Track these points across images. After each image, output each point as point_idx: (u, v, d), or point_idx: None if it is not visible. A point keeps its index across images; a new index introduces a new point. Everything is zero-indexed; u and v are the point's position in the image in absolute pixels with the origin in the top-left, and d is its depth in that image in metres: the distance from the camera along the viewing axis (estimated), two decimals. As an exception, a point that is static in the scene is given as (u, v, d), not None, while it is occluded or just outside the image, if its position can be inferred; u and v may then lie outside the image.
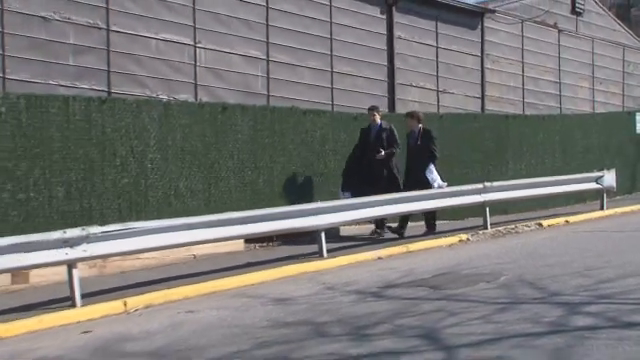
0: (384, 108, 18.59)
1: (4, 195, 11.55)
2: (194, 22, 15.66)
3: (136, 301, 9.97)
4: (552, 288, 9.00)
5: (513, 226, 15.69)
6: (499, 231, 15.25)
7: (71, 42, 13.96)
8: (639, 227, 15.34)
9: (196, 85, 15.68)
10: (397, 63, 19.67)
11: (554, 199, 18.68)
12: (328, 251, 12.77)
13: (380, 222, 15.15)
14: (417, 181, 14.58)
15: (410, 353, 6.58)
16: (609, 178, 18.34)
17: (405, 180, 14.88)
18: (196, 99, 15.41)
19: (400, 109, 18.65)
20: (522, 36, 23.70)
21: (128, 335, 8.40)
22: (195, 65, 15.67)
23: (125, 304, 9.85)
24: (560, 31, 25.11)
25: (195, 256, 13.15)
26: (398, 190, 14.32)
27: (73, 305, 9.70)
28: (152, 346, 7.78)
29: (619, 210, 18.39)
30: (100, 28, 14.33)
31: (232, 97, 15.82)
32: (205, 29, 15.82)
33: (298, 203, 13.91)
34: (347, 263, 12.46)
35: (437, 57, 20.91)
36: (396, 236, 14.66)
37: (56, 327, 9.11)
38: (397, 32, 19.68)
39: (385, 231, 15.15)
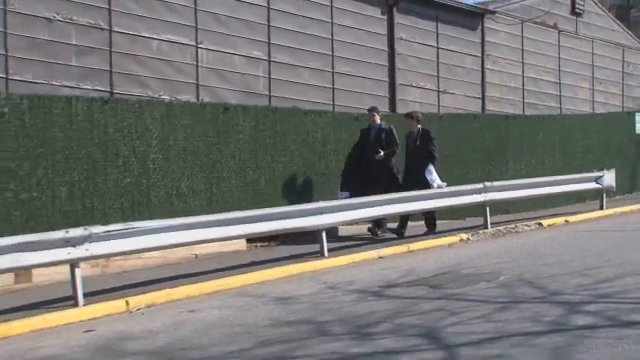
0: (385, 108, 18.64)
1: (7, 195, 11.58)
2: (196, 23, 15.66)
3: (138, 300, 10.01)
4: (552, 287, 9.02)
5: (513, 226, 15.72)
6: (499, 231, 15.28)
7: (74, 43, 13.96)
8: (638, 227, 15.37)
9: (198, 85, 15.69)
10: (398, 63, 19.68)
11: (554, 199, 18.70)
12: (329, 251, 12.78)
13: (379, 222, 15.18)
14: (416, 181, 14.60)
15: (411, 352, 6.59)
16: (609, 178, 18.37)
17: (404, 180, 14.89)
18: (198, 99, 15.42)
19: (401, 109, 18.67)
20: (522, 37, 23.73)
21: (130, 334, 8.43)
22: (197, 66, 15.68)
23: (127, 303, 9.88)
24: (560, 32, 25.14)
25: (197, 255, 13.18)
26: (398, 190, 14.33)
27: (76, 304, 9.73)
28: (154, 345, 7.79)
29: (619, 210, 18.42)
30: (103, 29, 14.33)
31: (234, 97, 15.84)
32: (207, 30, 15.83)
33: (299, 203, 13.96)
34: (348, 262, 12.49)
35: (437, 58, 20.93)
36: (395, 236, 14.70)
37: (59, 326, 9.14)
38: (398, 33, 19.70)
39: (385, 231, 15.18)
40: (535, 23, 24.07)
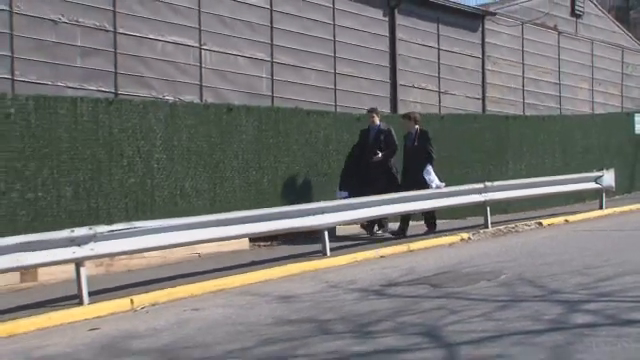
0: (386, 109, 18.68)
1: (13, 195, 11.65)
2: (199, 25, 15.68)
3: (142, 299, 10.06)
4: (552, 286, 9.02)
5: (513, 225, 15.71)
6: (500, 230, 15.28)
7: (79, 44, 13.98)
8: (638, 226, 15.36)
9: (201, 86, 15.71)
10: (399, 64, 19.70)
11: (554, 198, 18.69)
12: (330, 250, 12.82)
13: (380, 222, 15.24)
14: (415, 182, 14.62)
15: (412, 350, 6.62)
16: (608, 178, 18.37)
17: (403, 181, 14.91)
18: (201, 100, 15.43)
19: (402, 110, 18.62)
20: (522, 38, 23.72)
21: (135, 332, 8.46)
22: (200, 67, 15.70)
23: (132, 302, 9.92)
24: (560, 33, 25.13)
25: (200, 255, 13.24)
26: (397, 190, 14.34)
27: (81, 303, 9.78)
28: (158, 343, 7.83)
29: (618, 209, 18.39)
30: (107, 30, 14.35)
31: (237, 98, 15.87)
32: (210, 31, 15.85)
33: (302, 202, 14.00)
34: (349, 262, 12.51)
35: (438, 59, 20.93)
36: (392, 236, 14.76)
37: (64, 324, 9.19)
38: (399, 34, 19.71)
39: (386, 231, 15.22)
40: (535, 24, 24.05)
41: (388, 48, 19.58)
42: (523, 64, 23.74)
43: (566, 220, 16.70)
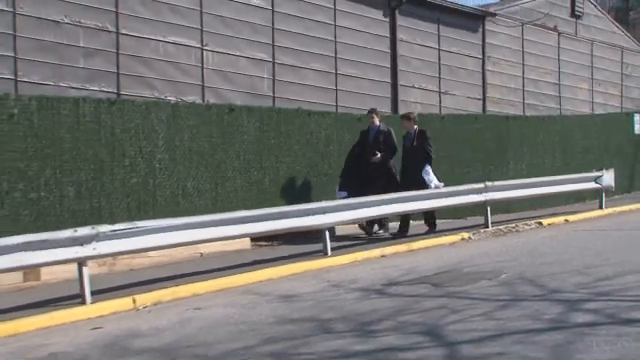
0: (387, 109, 18.71)
1: (16, 194, 11.68)
2: (201, 25, 15.71)
3: (145, 298, 10.08)
4: (552, 286, 9.04)
5: (514, 225, 15.74)
6: (500, 230, 15.30)
7: (81, 45, 14.00)
8: (637, 226, 15.40)
9: (203, 87, 15.73)
10: (400, 65, 19.73)
11: (554, 198, 18.71)
12: (331, 249, 12.84)
13: (381, 222, 15.27)
14: (414, 182, 14.63)
15: (413, 349, 6.65)
16: (608, 178, 18.40)
17: (401, 180, 14.93)
18: (203, 101, 15.44)
19: (403, 110, 18.46)
20: (522, 39, 23.75)
21: (137, 331, 8.47)
22: (202, 67, 15.72)
23: (134, 301, 9.95)
24: (560, 34, 25.15)
25: (202, 254, 13.25)
26: (397, 190, 14.34)
27: (83, 302, 9.79)
28: (161, 342, 7.85)
29: (618, 209, 18.42)
30: (110, 31, 14.38)
31: (239, 99, 15.89)
32: (212, 32, 15.87)
33: (303, 202, 14.05)
34: (351, 261, 12.53)
35: (439, 59, 20.96)
36: (391, 236, 14.80)
37: (67, 323, 9.20)
38: (400, 35, 19.74)
39: (387, 230, 15.26)
40: (535, 25, 24.07)
41: (389, 49, 19.60)
42: (523, 65, 23.76)
43: (566, 220, 16.72)
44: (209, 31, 15.86)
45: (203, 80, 15.77)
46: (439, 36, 21.00)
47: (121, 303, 9.91)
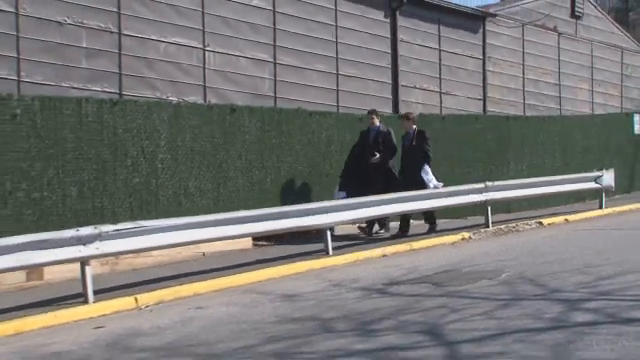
0: (388, 110, 18.73)
1: (19, 194, 11.71)
2: (203, 26, 15.71)
3: (147, 297, 10.13)
4: (552, 285, 9.08)
5: (514, 224, 15.78)
6: (500, 229, 15.33)
7: (84, 45, 14.00)
8: (637, 225, 15.44)
9: (205, 87, 15.73)
10: (401, 66, 19.74)
11: (554, 198, 18.75)
12: (332, 249, 12.87)
13: (382, 222, 15.28)
14: (414, 181, 14.67)
15: (414, 348, 6.68)
16: (608, 178, 18.43)
17: (401, 180, 14.95)
18: (205, 101, 15.46)
19: (404, 110, 18.38)
20: (523, 39, 23.75)
21: (139, 330, 8.52)
22: (204, 68, 15.73)
23: (136, 300, 10.00)
24: (560, 34, 25.16)
25: (204, 254, 13.27)
26: (398, 190, 14.36)
27: (86, 301, 9.84)
28: (163, 341, 7.89)
29: (617, 209, 18.45)
30: (112, 32, 14.38)
31: (240, 99, 15.89)
32: (214, 33, 15.87)
33: (305, 202, 14.10)
34: (352, 260, 12.58)
35: (440, 60, 20.97)
36: (390, 236, 14.82)
37: (70, 322, 9.25)
38: (401, 35, 19.74)
39: (388, 229, 15.28)
40: (535, 26, 24.07)
41: (390, 49, 19.60)
42: (523, 65, 23.77)
43: (566, 219, 16.76)
44: (211, 32, 15.85)
45: (205, 80, 15.77)
46: (440, 37, 21.00)
47: (123, 302, 9.95)
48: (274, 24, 17.01)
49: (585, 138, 21.64)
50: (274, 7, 17.00)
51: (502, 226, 15.53)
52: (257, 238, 14.01)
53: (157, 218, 11.71)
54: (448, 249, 13.52)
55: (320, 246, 13.06)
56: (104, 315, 9.55)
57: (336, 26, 18.30)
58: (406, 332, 7.33)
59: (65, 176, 12.23)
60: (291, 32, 17.34)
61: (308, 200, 14.61)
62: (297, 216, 12.76)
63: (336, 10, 18.30)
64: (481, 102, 22.26)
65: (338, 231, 14.54)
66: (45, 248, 9.81)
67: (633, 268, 9.80)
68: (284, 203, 14.28)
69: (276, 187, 15.03)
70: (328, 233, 12.93)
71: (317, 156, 15.80)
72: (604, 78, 26.98)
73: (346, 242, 13.97)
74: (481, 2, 24.84)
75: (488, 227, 15.37)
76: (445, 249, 13.52)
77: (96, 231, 10.19)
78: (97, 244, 10.20)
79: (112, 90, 14.35)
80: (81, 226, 10.41)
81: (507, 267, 10.66)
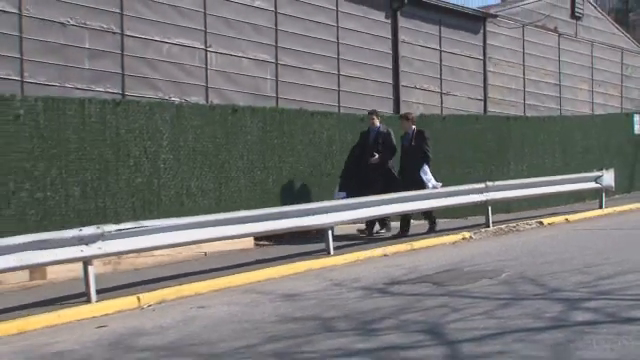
0: (389, 110, 18.77)
1: (22, 194, 11.76)
2: (205, 27, 15.75)
3: (149, 297, 10.15)
4: (552, 284, 9.09)
5: (514, 224, 15.79)
6: (501, 229, 15.34)
7: (87, 46, 14.05)
8: (637, 225, 15.44)
9: (207, 88, 15.78)
10: (402, 66, 19.79)
11: (554, 198, 18.76)
12: (333, 249, 12.89)
13: (383, 221, 15.31)
14: (413, 181, 14.68)
15: (415, 348, 6.69)
16: (608, 178, 18.44)
17: (400, 180, 14.95)
18: (207, 101, 15.50)
19: (405, 111, 18.59)
20: (523, 40, 23.80)
21: (142, 330, 8.54)
22: (206, 68, 15.77)
23: (139, 300, 10.03)
24: (560, 35, 25.20)
25: (206, 253, 13.30)
26: (398, 191, 14.37)
27: (88, 301, 9.87)
28: (165, 340, 7.91)
29: (617, 209, 18.45)
30: (115, 33, 14.43)
31: (242, 99, 15.95)
32: (216, 33, 15.92)
33: (306, 202, 14.13)
34: (353, 260, 12.59)
35: (440, 60, 21.02)
36: (390, 236, 14.85)
37: (72, 322, 9.27)
38: (402, 36, 19.80)
39: (389, 228, 15.31)
40: (536, 27, 24.12)
41: (391, 50, 19.66)
42: (524, 66, 23.81)
43: (566, 219, 16.77)
44: (213, 32, 15.90)
45: (207, 81, 15.82)
46: (440, 37, 21.04)
47: (126, 302, 9.98)
48: (276, 25, 17.05)
49: (585, 138, 21.64)
50: (276, 8, 17.05)
51: (502, 226, 15.54)
52: (258, 238, 14.04)
53: (159, 218, 11.71)
54: (449, 249, 13.54)
55: (321, 246, 13.09)
56: (107, 314, 9.58)
57: (337, 27, 18.35)
58: (407, 331, 7.34)
59: (68, 176, 12.27)
60: (292, 33, 17.38)
61: (310, 200, 14.65)
62: (298, 216, 12.77)
63: (337, 11, 18.34)
64: (482, 102, 22.30)
65: (338, 231, 14.50)
66: (48, 248, 9.83)
67: (633, 268, 9.82)
68: (286, 203, 14.28)
69: (278, 187, 15.06)
70: (329, 233, 12.94)
71: (318, 156, 15.82)
72: (604, 78, 27.01)
73: (347, 242, 13.99)
74: (482, 3, 24.93)
75: (489, 227, 15.38)
76: (446, 249, 13.54)
77: (99, 231, 10.21)
78: (99, 244, 10.22)
79: (115, 91, 14.40)
80: (84, 226, 10.43)
81: (507, 267, 10.67)
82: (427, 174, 14.79)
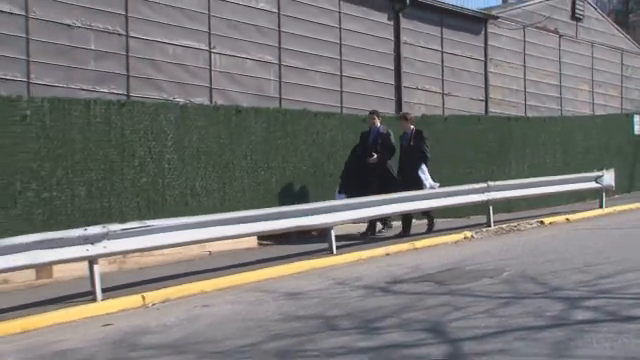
0: (391, 111, 18.78)
1: (29, 194, 11.83)
2: (209, 28, 15.80)
3: (154, 295, 10.20)
4: (553, 283, 9.11)
5: (515, 224, 15.82)
6: (502, 229, 15.37)
7: (92, 48, 14.10)
8: (637, 224, 15.42)
9: (211, 89, 15.82)
10: (404, 67, 19.83)
11: (555, 198, 18.76)
12: (336, 248, 12.92)
13: (385, 220, 15.38)
14: (412, 181, 14.70)
15: (416, 346, 6.70)
16: (608, 178, 18.47)
17: (400, 180, 14.97)
18: (211, 102, 15.52)
19: (408, 111, 18.77)
20: (524, 41, 23.84)
21: (146, 328, 8.58)
22: (210, 69, 15.81)
23: (143, 298, 10.08)
24: (561, 36, 25.23)
25: (210, 253, 13.34)
26: (398, 190, 14.39)
27: (94, 299, 9.93)
28: (169, 338, 7.94)
29: (618, 208, 18.46)
30: (120, 34, 14.49)
31: (246, 100, 15.99)
32: (220, 35, 15.96)
33: (310, 202, 14.24)
34: (356, 259, 12.61)
35: (442, 61, 21.05)
36: (391, 236, 14.90)
37: (78, 320, 9.32)
38: (404, 37, 19.85)
39: (391, 227, 15.40)
40: (536, 28, 24.16)
41: (393, 51, 19.69)
42: (525, 66, 23.83)
43: (567, 219, 16.78)
44: (217, 34, 15.94)
45: (211, 82, 15.86)
46: (442, 38, 21.07)
47: (131, 300, 10.03)
48: (279, 26, 17.10)
49: (586, 138, 21.68)
50: (279, 10, 17.09)
51: (504, 225, 15.56)
52: (262, 237, 14.09)
53: (164, 218, 11.75)
54: (450, 248, 13.57)
55: (323, 245, 13.12)
56: (112, 313, 9.62)
57: (340, 28, 18.38)
58: (409, 330, 7.36)
59: (74, 176, 12.35)
60: (296, 34, 17.42)
61: (313, 199, 14.68)
62: (299, 216, 12.82)
63: (340, 13, 18.38)
64: (483, 103, 22.33)
65: (341, 231, 14.45)
66: (54, 247, 9.90)
67: (633, 267, 9.82)
68: (289, 203, 14.27)
69: (281, 187, 15.12)
70: (332, 232, 12.98)
71: (321, 156, 15.89)
72: (604, 79, 27.03)
73: (349, 241, 14.01)
74: (483, 4, 24.96)
75: (490, 226, 15.42)
76: (447, 248, 13.57)
77: (104, 230, 10.27)
78: (105, 243, 10.28)
79: (120, 91, 14.45)
80: (89, 225, 10.50)
81: (508, 266, 10.69)
82: (425, 173, 14.82)
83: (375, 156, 14.86)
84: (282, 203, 14.27)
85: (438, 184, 15.00)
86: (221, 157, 14.26)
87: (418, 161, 14.85)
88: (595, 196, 18.94)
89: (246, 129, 14.63)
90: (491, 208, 15.68)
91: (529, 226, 15.95)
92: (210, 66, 15.86)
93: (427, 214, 15.32)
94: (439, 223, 15.47)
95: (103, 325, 8.94)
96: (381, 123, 15.32)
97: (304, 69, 17.60)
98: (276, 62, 17.05)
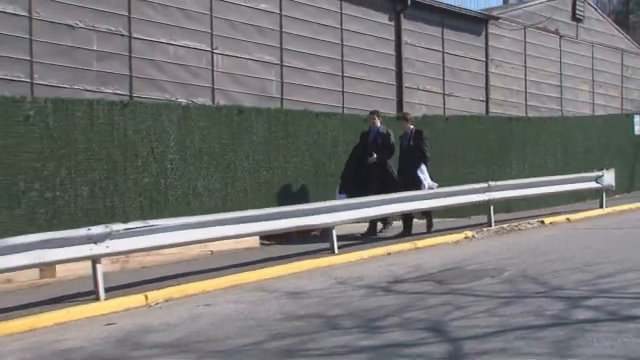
0: (392, 111, 18.77)
1: (32, 194, 11.89)
2: (211, 29, 15.81)
3: (157, 295, 10.25)
4: (554, 283, 9.12)
5: (516, 224, 15.83)
6: (503, 228, 15.39)
7: (95, 49, 14.12)
8: (637, 224, 15.42)
9: (213, 89, 15.82)
10: (405, 67, 19.81)
11: (555, 198, 18.79)
12: (338, 247, 12.95)
13: (385, 220, 15.38)
14: (412, 181, 14.72)
15: (418, 345, 6.72)
16: (608, 178, 18.48)
17: (400, 180, 15.02)
18: (213, 102, 15.54)
19: (408, 111, 18.78)
20: (525, 42, 23.83)
21: (149, 327, 8.62)
22: (212, 70, 15.82)
23: (146, 297, 10.13)
24: (561, 37, 25.21)
25: (212, 252, 13.38)
26: (397, 189, 14.43)
27: (97, 298, 9.99)
28: (172, 337, 7.97)
29: (618, 208, 18.46)
30: (123, 35, 14.49)
31: (248, 100, 16.00)
32: (222, 36, 15.96)
33: (311, 201, 14.25)
34: (357, 259, 12.65)
35: (443, 62, 21.04)
36: (392, 235, 14.93)
37: (81, 319, 9.38)
38: (405, 38, 19.84)
39: (391, 226, 15.42)
40: (537, 28, 24.14)
41: (394, 51, 19.68)
42: (525, 67, 23.81)
43: (567, 219, 16.79)
44: (219, 35, 15.95)
45: (213, 82, 15.87)
46: (443, 39, 21.07)
47: (133, 299, 10.08)
48: (281, 27, 17.10)
49: (586, 139, 21.72)
50: (281, 10, 17.09)
51: (504, 225, 15.57)
52: (263, 237, 14.13)
53: (166, 217, 11.79)
54: (451, 248, 13.59)
55: (325, 245, 13.16)
56: (115, 312, 9.67)
57: (341, 29, 18.38)
58: (410, 329, 7.37)
59: (77, 176, 12.41)
60: (297, 35, 17.43)
61: (315, 199, 14.66)
62: (300, 216, 12.85)
63: (341, 13, 18.39)
64: (484, 103, 22.32)
65: (342, 231, 14.48)
66: (57, 247, 9.95)
67: (633, 266, 9.83)
68: (290, 203, 14.25)
69: (283, 187, 15.15)
70: (334, 232, 13.02)
71: (323, 156, 15.92)
72: (605, 80, 27.01)
73: (351, 241, 14.03)
74: (484, 5, 24.96)
75: (491, 226, 15.44)
76: (448, 248, 13.59)
77: (107, 230, 10.31)
78: (108, 242, 10.32)
79: (122, 92, 14.46)
80: (92, 225, 10.53)
81: (509, 265, 10.72)
82: (424, 173, 14.82)
83: (375, 156, 14.88)
84: (284, 203, 14.24)
85: (436, 184, 15.00)
86: (223, 157, 14.30)
87: (418, 161, 14.85)
88: (595, 196, 18.96)
89: (248, 129, 14.66)
90: (492, 208, 15.67)
91: (530, 226, 15.96)
92: (212, 67, 15.87)
93: (426, 214, 15.33)
94: (440, 223, 15.50)
95: (106, 324, 8.98)
96: (381, 123, 15.34)
97: (305, 69, 17.58)
98: (278, 62, 17.04)
